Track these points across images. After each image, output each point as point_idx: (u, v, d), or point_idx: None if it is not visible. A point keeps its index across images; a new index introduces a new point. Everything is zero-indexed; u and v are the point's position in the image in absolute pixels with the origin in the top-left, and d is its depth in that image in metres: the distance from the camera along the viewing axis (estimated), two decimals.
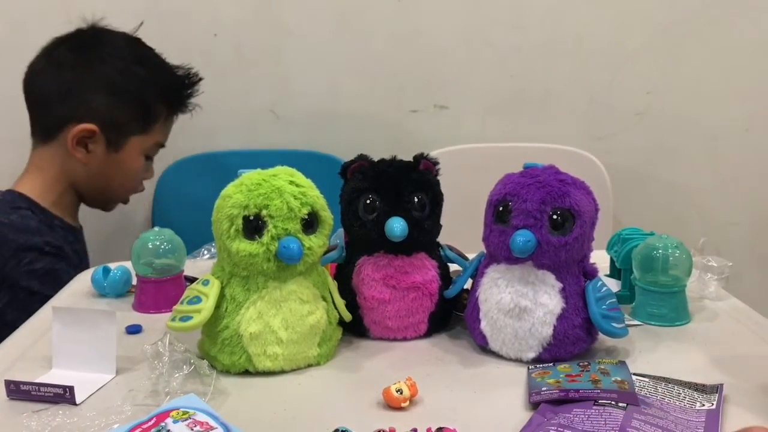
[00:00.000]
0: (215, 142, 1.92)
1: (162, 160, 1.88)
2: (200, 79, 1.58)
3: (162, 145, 1.58)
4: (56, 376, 0.88)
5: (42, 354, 0.94)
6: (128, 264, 1.15)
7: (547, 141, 1.89)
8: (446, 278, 1.01)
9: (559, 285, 0.89)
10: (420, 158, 0.99)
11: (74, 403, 0.81)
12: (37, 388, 0.82)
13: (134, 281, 1.13)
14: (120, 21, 1.73)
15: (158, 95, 1.53)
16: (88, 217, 1.94)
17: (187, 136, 1.90)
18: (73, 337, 0.90)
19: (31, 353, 0.96)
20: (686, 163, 1.97)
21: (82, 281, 1.21)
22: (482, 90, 1.93)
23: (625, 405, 0.77)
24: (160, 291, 1.09)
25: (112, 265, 1.18)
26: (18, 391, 0.82)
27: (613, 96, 1.93)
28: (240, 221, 0.86)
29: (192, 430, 0.67)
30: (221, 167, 1.87)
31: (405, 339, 0.99)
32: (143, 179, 1.61)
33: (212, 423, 0.68)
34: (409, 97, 1.93)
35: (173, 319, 0.88)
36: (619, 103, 1.94)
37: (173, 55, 1.85)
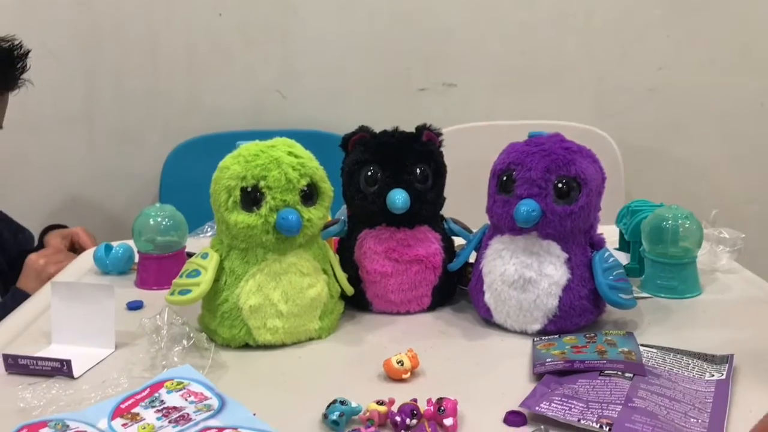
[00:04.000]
0: (221, 122, 1.90)
1: (168, 142, 1.88)
2: (28, 52, 1.36)
3: None
4: (55, 350, 0.88)
5: (42, 330, 0.93)
6: (131, 242, 1.14)
7: (557, 118, 1.85)
8: (450, 251, 1.00)
9: (564, 255, 0.87)
10: (423, 129, 0.97)
11: (72, 377, 0.80)
12: (34, 362, 0.81)
13: (137, 258, 1.12)
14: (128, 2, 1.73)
15: None
16: (93, 198, 1.94)
17: (193, 117, 1.90)
18: (71, 311, 0.89)
19: (32, 329, 0.95)
20: (699, 140, 1.94)
21: (85, 259, 1.21)
22: (491, 67, 1.90)
23: (631, 375, 0.75)
24: (161, 267, 1.08)
25: (115, 243, 1.17)
26: (16, 365, 0.82)
27: (624, 72, 1.90)
28: (238, 193, 0.85)
29: (186, 400, 0.66)
30: (227, 148, 1.83)
31: (408, 313, 0.98)
32: None
33: (207, 394, 0.67)
34: (416, 76, 1.90)
35: (172, 293, 0.87)
36: (631, 79, 1.90)
37: (178, 35, 1.86)
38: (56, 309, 0.90)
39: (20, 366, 0.81)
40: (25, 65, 1.35)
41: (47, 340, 0.90)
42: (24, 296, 1.21)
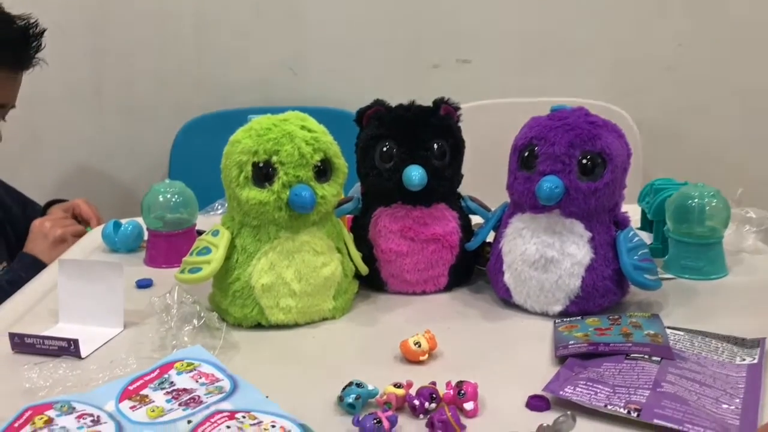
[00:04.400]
0: (232, 99, 1.87)
1: (178, 118, 1.86)
2: (43, 31, 1.31)
3: (6, 106, 1.33)
4: (63, 329, 0.85)
5: (49, 308, 0.91)
6: (140, 220, 1.12)
7: (574, 95, 1.81)
8: (467, 230, 0.96)
9: (588, 234, 0.84)
10: (440, 103, 0.94)
11: (79, 357, 0.78)
12: (41, 341, 0.79)
13: (146, 236, 1.10)
14: None
15: None
16: (103, 174, 1.92)
17: (204, 93, 1.87)
18: (79, 290, 0.86)
19: (39, 307, 0.93)
20: (720, 119, 1.89)
21: (93, 237, 1.18)
22: (506, 43, 1.85)
23: (659, 359, 0.72)
24: (171, 245, 1.06)
25: (123, 220, 1.14)
26: (22, 344, 0.79)
27: (642, 49, 1.85)
28: (249, 168, 0.82)
29: (197, 381, 0.63)
30: (238, 125, 1.80)
31: (424, 293, 0.95)
32: None
33: (218, 375, 0.65)
34: (430, 52, 1.86)
35: (182, 271, 0.85)
36: (649, 56, 1.85)
37: (188, 10, 1.82)
38: (63, 287, 0.87)
39: (27, 345, 0.79)
40: (40, 44, 1.31)
41: (55, 319, 0.88)
42: (31, 260, 1.20)
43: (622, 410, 0.64)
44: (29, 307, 0.93)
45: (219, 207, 1.26)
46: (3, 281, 1.14)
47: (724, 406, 0.65)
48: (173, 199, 1.07)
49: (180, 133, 1.85)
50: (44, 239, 1.24)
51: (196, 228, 1.09)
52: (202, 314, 0.82)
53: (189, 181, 1.13)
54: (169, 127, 1.85)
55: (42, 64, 1.33)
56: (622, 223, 0.88)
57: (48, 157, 1.91)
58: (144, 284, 0.99)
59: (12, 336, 0.80)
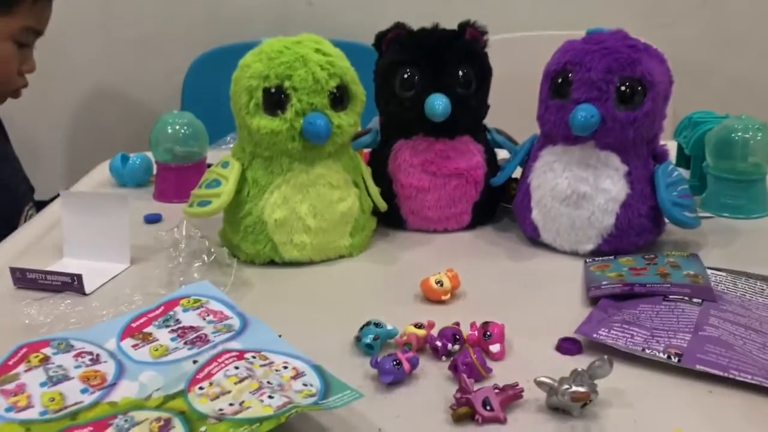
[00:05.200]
0: (246, 32, 1.79)
1: (190, 51, 1.79)
2: None
3: (38, 32, 1.28)
4: (67, 265, 0.82)
5: (54, 243, 0.87)
6: (150, 154, 1.07)
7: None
8: (493, 164, 0.91)
9: (624, 168, 0.78)
10: (465, 26, 0.87)
11: (83, 293, 0.74)
12: (43, 276, 0.75)
13: (155, 170, 1.05)
14: None
15: None
16: (113, 109, 1.87)
17: (217, 25, 1.80)
18: (83, 223, 0.82)
19: (44, 242, 0.89)
20: (755, 54, 1.79)
21: (101, 170, 1.14)
22: None
23: (700, 301, 0.67)
24: (181, 179, 1.01)
25: (132, 153, 1.10)
26: (24, 279, 0.76)
27: None
28: (260, 94, 0.76)
29: (204, 319, 0.59)
30: None
31: (446, 231, 0.90)
32: (23, 72, 1.30)
33: (227, 312, 0.60)
34: None
35: (191, 205, 0.80)
36: None
37: None
38: (67, 221, 0.83)
39: (29, 280, 0.76)
40: None
41: (60, 254, 0.84)
42: None
43: (661, 355, 0.59)
44: (34, 241, 0.89)
45: (231, 140, 1.21)
46: None
47: None
48: (182, 131, 1.02)
49: (192, 66, 1.79)
50: None
51: (207, 162, 1.04)
52: (212, 250, 0.78)
53: (202, 116, 1.08)
54: (180, 61, 1.79)
55: None
56: (660, 156, 0.81)
57: (56, 93, 1.85)
58: (152, 219, 0.95)
59: (13, 271, 0.76)
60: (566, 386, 0.53)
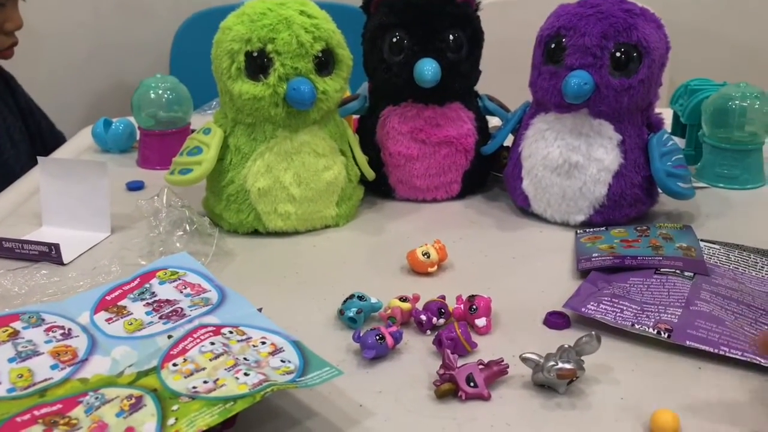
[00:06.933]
0: None
1: (178, 14, 1.75)
2: None
3: None
4: (46, 234, 0.80)
5: (34, 211, 0.85)
6: (133, 119, 1.04)
7: None
8: (484, 132, 0.88)
9: (617, 137, 0.76)
10: None
11: (61, 263, 0.72)
12: (20, 245, 0.73)
13: (138, 135, 1.03)
14: None
15: None
16: (100, 73, 1.83)
17: None
18: (62, 191, 0.80)
19: (24, 209, 0.87)
20: (755, 19, 1.75)
21: (84, 136, 1.11)
22: None
23: (692, 275, 0.65)
24: (165, 145, 0.98)
25: (115, 118, 1.07)
26: (0, 248, 0.74)
27: None
28: (242, 58, 0.73)
29: (181, 292, 0.57)
30: None
31: (435, 200, 0.88)
32: (7, 31, 1.26)
33: (205, 285, 0.59)
34: None
35: (172, 172, 0.78)
36: None
37: None
38: (45, 188, 0.81)
39: (5, 249, 0.74)
40: None
41: (39, 222, 0.82)
42: None
43: (651, 330, 0.57)
44: (13, 209, 0.87)
45: (216, 105, 1.18)
46: None
47: (765, 326, 0.59)
48: (165, 95, 0.99)
49: (180, 29, 1.75)
50: None
51: (191, 127, 1.01)
52: (193, 219, 0.76)
53: (190, 81, 1.05)
54: (169, 22, 1.75)
55: None
56: (655, 125, 0.79)
57: (43, 54, 1.81)
58: (135, 186, 0.92)
59: None
60: (552, 363, 0.52)
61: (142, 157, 1.00)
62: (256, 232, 0.79)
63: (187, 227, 0.76)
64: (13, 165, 1.14)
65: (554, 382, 0.52)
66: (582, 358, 0.53)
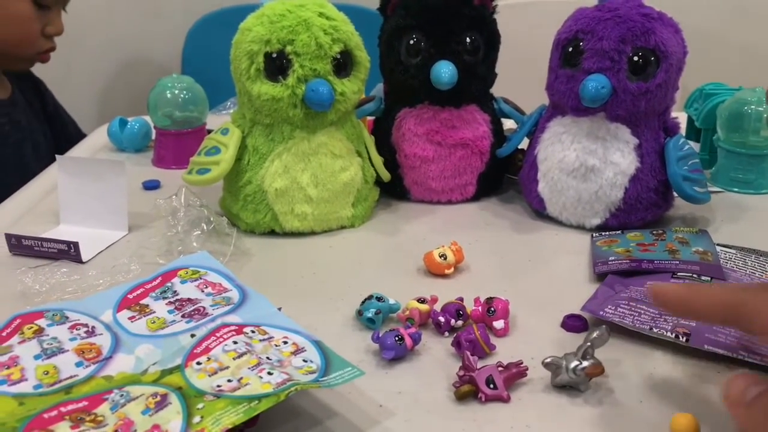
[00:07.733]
0: None
1: (190, 15, 1.76)
2: None
3: None
4: (64, 232, 0.80)
5: (53, 209, 0.85)
6: (148, 118, 1.05)
7: None
8: (499, 135, 0.89)
9: (634, 141, 0.76)
10: None
11: (80, 261, 0.73)
12: (39, 243, 0.74)
13: (154, 135, 1.03)
14: None
15: None
16: (112, 73, 1.84)
17: None
18: (80, 189, 0.81)
19: (41, 207, 0.88)
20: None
21: (99, 135, 1.12)
22: None
23: (709, 279, 0.66)
24: (180, 145, 0.99)
25: (130, 118, 1.08)
26: (20, 246, 0.74)
27: None
28: (261, 59, 0.74)
29: (202, 291, 0.58)
30: None
31: (450, 202, 0.88)
32: (48, 35, 1.28)
33: (226, 284, 0.59)
34: None
35: (190, 172, 0.79)
36: None
37: None
38: (63, 186, 0.82)
39: (24, 247, 0.74)
40: None
41: (57, 220, 0.83)
42: None
43: (669, 334, 0.58)
44: (31, 207, 0.88)
45: (231, 105, 1.19)
46: None
47: None
48: (182, 95, 0.99)
49: (192, 29, 1.76)
50: None
51: (207, 127, 1.02)
52: (211, 218, 0.76)
53: (202, 80, 1.05)
54: (180, 23, 1.76)
55: None
56: (671, 129, 0.79)
57: (56, 54, 1.82)
58: (151, 185, 0.93)
59: (9, 237, 0.75)
60: (576, 363, 0.52)
61: (158, 156, 1.01)
62: (272, 233, 0.80)
63: (205, 227, 0.76)
64: (35, 169, 1.15)
65: (579, 381, 0.53)
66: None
